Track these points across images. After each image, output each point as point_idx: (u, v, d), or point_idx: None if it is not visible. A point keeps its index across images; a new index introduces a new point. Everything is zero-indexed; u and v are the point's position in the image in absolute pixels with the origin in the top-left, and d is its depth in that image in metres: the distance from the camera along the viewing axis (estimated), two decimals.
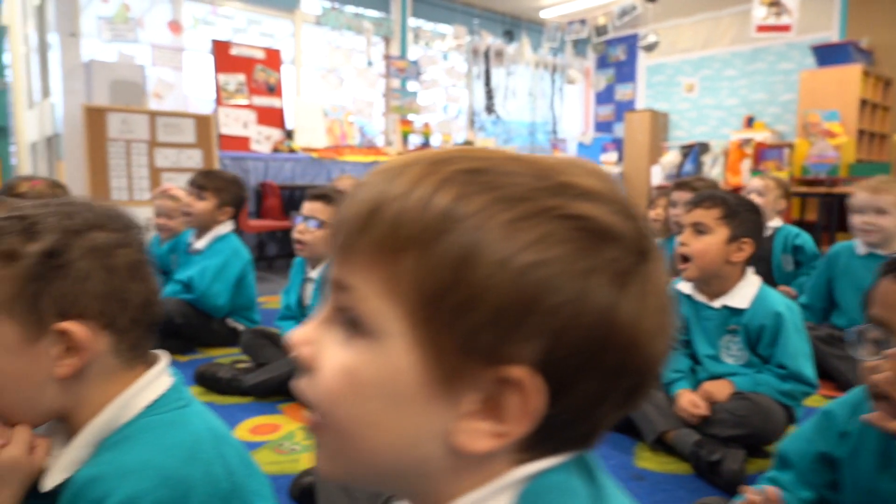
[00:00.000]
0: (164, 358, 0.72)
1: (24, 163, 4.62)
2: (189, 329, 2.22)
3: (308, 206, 1.99)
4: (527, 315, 0.33)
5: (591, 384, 0.35)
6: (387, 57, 6.41)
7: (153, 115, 3.35)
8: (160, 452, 0.62)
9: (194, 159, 3.47)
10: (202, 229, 2.36)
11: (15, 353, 0.63)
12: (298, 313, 2.06)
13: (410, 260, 0.34)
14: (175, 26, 4.95)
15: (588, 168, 0.38)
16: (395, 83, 6.36)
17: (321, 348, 0.38)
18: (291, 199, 4.75)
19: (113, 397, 0.66)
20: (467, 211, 0.33)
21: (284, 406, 1.77)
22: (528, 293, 0.33)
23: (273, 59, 5.46)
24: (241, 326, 2.33)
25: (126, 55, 4.48)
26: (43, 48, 3.99)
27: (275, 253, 4.57)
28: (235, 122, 5.04)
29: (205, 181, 2.32)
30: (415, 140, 6.37)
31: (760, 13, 4.46)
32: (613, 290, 0.34)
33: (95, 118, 3.15)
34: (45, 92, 3.99)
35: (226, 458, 0.68)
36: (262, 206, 4.39)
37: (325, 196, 2.01)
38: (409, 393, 0.35)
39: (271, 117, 5.32)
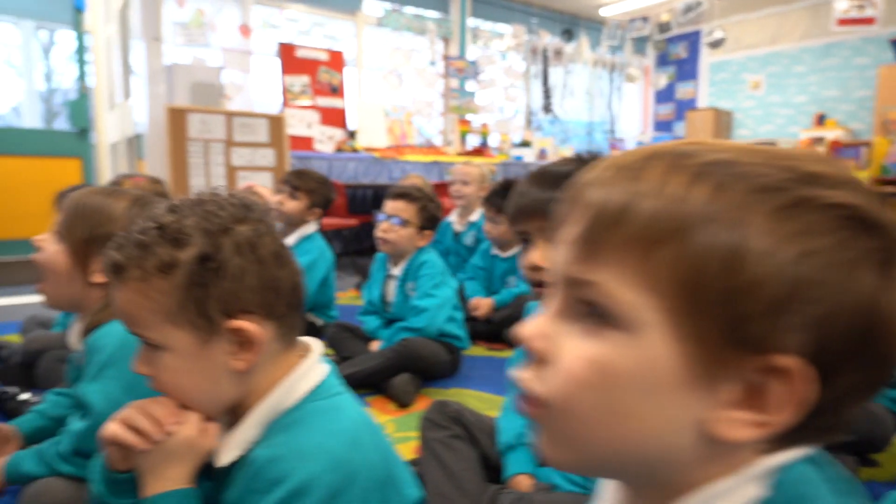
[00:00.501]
0: (317, 346, 0.74)
1: (104, 162, 4.84)
2: None
3: (391, 205, 2.02)
4: (793, 305, 0.33)
5: (853, 375, 0.35)
6: (446, 57, 6.44)
7: (229, 115, 3.45)
8: (330, 437, 0.65)
9: (268, 158, 3.56)
10: (289, 227, 2.42)
11: (192, 357, 0.65)
12: (381, 308, 2.10)
13: (669, 253, 0.34)
14: (245, 30, 5.10)
15: (819, 156, 0.38)
16: (454, 83, 6.38)
17: (558, 341, 0.38)
18: (354, 198, 4.84)
19: (277, 380, 0.69)
20: (727, 203, 0.34)
21: (372, 399, 1.80)
22: (796, 284, 0.33)
23: (336, 60, 5.56)
24: (319, 321, 2.38)
25: (199, 59, 4.65)
26: (125, 52, 4.16)
27: (339, 250, 4.65)
28: (300, 122, 5.16)
29: (299, 181, 2.36)
30: (472, 140, 6.39)
31: (842, 6, 4.29)
32: (877, 279, 0.34)
33: (177, 119, 3.27)
34: (127, 94, 4.17)
35: (380, 446, 0.70)
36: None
37: (408, 195, 2.04)
38: (665, 382, 0.35)
39: (334, 118, 5.43)
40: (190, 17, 4.56)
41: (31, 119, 6.00)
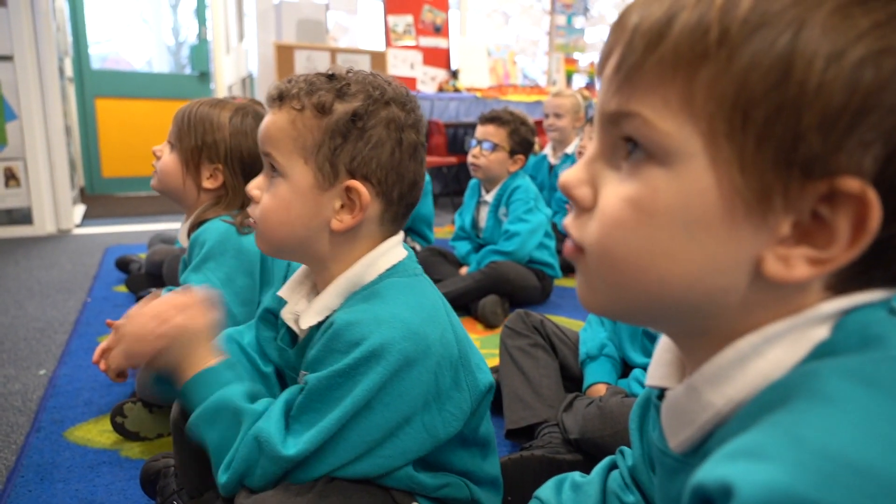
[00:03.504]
0: (400, 234, 0.76)
1: None
2: None
3: (481, 130, 2.00)
4: (862, 116, 0.29)
5: None
6: None
7: (333, 52, 3.53)
8: (406, 309, 0.66)
9: None
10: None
11: (303, 195, 0.69)
12: (473, 234, 2.11)
13: (711, 69, 0.31)
14: None
15: None
16: (561, 20, 6.12)
17: (599, 185, 0.38)
18: (455, 137, 4.83)
19: (360, 257, 0.72)
20: (783, 4, 0.30)
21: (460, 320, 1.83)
22: (865, 90, 0.29)
23: None
24: (417, 246, 2.43)
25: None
26: None
27: (439, 190, 4.69)
28: (403, 62, 5.17)
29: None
30: (578, 80, 6.14)
31: None
32: None
33: (284, 56, 3.38)
34: (241, 35, 4.36)
35: (455, 328, 0.71)
36: (427, 143, 4.51)
37: (498, 118, 2.00)
38: (710, 217, 0.33)
39: (436, 58, 5.40)
40: None
41: (161, 69, 6.42)
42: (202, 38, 5.20)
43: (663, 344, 0.47)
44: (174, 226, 3.51)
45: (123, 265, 2.30)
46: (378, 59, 3.67)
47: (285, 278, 0.81)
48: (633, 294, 0.37)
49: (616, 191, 0.36)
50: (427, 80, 5.23)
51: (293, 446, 0.64)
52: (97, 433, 1.16)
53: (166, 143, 1.18)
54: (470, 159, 1.99)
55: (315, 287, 0.77)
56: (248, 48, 4.11)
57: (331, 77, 0.70)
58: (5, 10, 3.03)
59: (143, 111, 5.04)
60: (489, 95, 5.03)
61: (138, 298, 1.86)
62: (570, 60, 6.18)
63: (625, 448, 0.61)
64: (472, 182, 2.14)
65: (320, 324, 0.71)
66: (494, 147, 1.96)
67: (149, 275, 2.00)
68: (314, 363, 0.67)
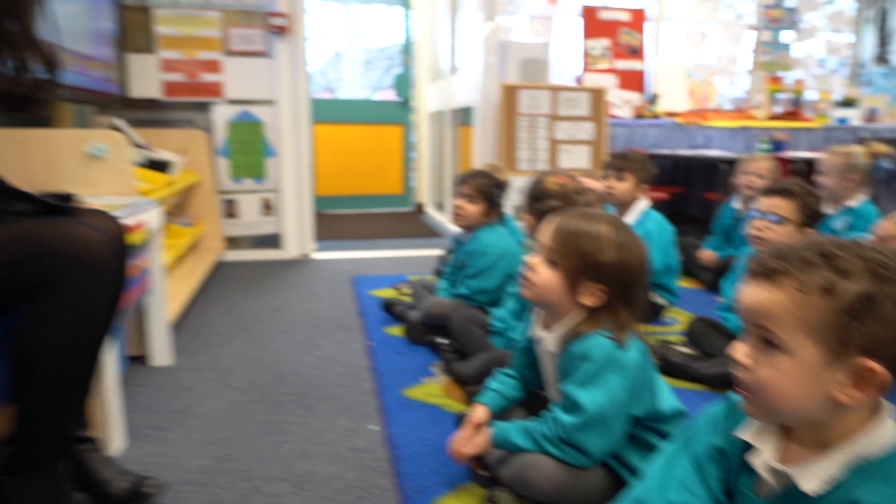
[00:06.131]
0: (890, 406, 0.76)
1: (423, 130, 5.39)
2: None
3: (767, 202, 1.92)
4: None
5: None
6: (760, 5, 5.79)
7: (554, 90, 3.57)
8: None
9: (587, 132, 3.63)
10: (621, 209, 2.50)
11: (806, 370, 0.71)
12: None
13: None
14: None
15: None
16: (766, 35, 5.73)
17: None
18: (663, 168, 4.68)
19: (857, 426, 0.73)
20: None
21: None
22: None
23: (637, 20, 5.37)
24: (662, 300, 2.41)
25: (504, 27, 4.86)
26: (453, 31, 4.53)
27: None
28: None
29: (623, 163, 2.51)
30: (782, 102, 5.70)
31: None
32: None
33: (509, 94, 3.49)
34: (454, 69, 4.55)
35: None
36: None
37: (786, 190, 1.92)
38: None
39: (632, 81, 5.29)
40: None
41: (351, 91, 6.83)
42: (407, 65, 5.50)
43: None
44: (398, 254, 3.75)
45: (388, 307, 2.50)
46: (597, 95, 3.67)
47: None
48: None
49: None
50: (621, 105, 5.13)
51: None
52: None
53: (543, 258, 1.22)
54: (753, 232, 1.93)
55: (782, 432, 0.79)
56: (463, 82, 4.26)
57: (825, 255, 0.71)
58: (272, 60, 3.41)
59: (351, 135, 5.44)
60: (690, 121, 4.83)
61: (434, 345, 2.04)
62: (773, 79, 5.76)
63: None
64: (747, 251, 2.07)
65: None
66: (781, 220, 1.88)
67: (425, 325, 2.15)
68: None
